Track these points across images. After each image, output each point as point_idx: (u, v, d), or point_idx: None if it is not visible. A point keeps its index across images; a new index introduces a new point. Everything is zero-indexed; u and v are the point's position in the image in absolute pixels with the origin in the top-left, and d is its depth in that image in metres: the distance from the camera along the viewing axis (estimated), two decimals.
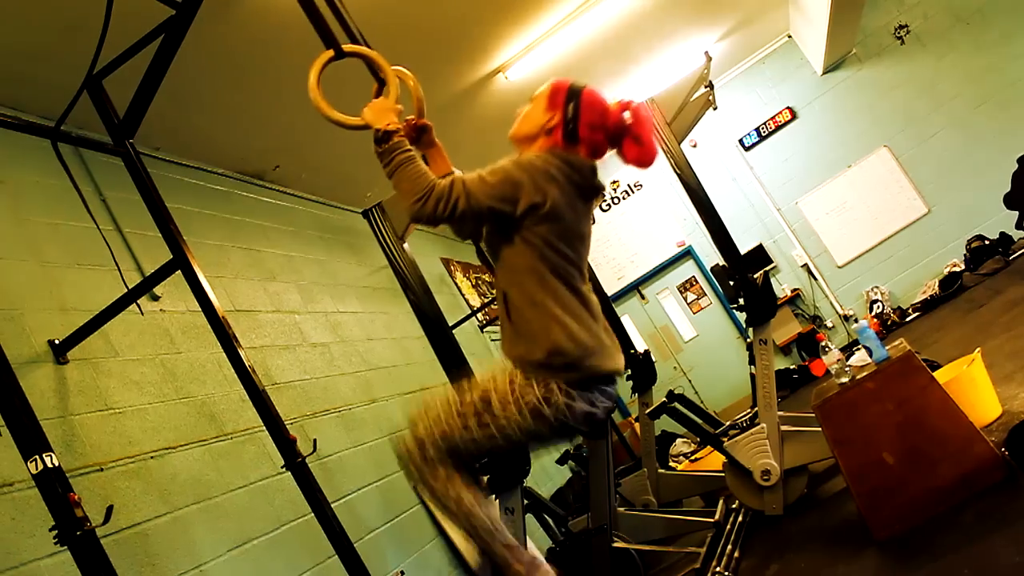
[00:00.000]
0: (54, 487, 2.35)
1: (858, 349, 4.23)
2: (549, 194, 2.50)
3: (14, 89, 4.54)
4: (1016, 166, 10.42)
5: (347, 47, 2.78)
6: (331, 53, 2.74)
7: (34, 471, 2.35)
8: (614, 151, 2.78)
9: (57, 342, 3.82)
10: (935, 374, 3.94)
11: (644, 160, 2.76)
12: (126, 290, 3.91)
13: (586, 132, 2.66)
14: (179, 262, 3.69)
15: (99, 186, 4.88)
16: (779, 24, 11.03)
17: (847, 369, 3.99)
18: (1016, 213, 10.40)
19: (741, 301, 5.30)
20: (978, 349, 4.51)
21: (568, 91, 2.71)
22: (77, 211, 4.08)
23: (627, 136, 2.74)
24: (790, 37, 11.49)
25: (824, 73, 11.35)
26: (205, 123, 5.85)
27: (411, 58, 6.48)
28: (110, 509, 2.59)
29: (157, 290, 4.61)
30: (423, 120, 2.89)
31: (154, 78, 3.65)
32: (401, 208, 4.68)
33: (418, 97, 2.87)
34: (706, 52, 5.81)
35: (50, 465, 2.35)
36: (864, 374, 3.86)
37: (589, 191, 2.68)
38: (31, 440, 2.39)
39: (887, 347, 4.03)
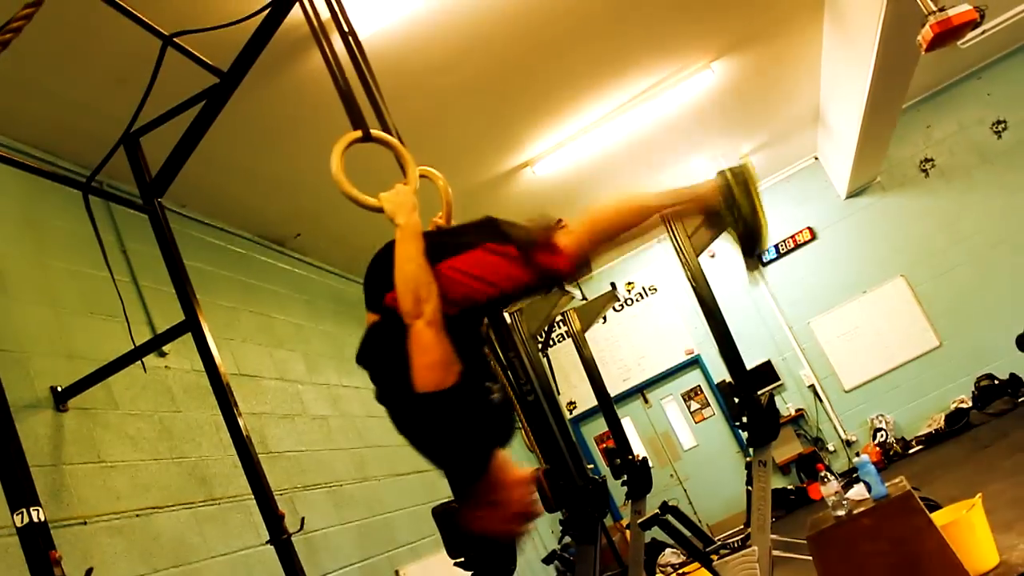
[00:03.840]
0: (36, 543, 2.33)
1: (857, 481, 4.19)
2: None
3: (54, 135, 4.65)
4: None
5: (375, 133, 2.82)
6: (358, 134, 2.79)
7: (19, 524, 2.34)
8: None
9: (59, 389, 3.83)
10: (933, 515, 3.89)
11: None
12: (134, 346, 3.92)
13: None
14: (190, 325, 3.71)
15: (122, 236, 4.94)
16: (807, 145, 11.20)
17: (844, 502, 3.95)
18: None
19: (744, 420, 5.28)
20: (979, 494, 4.46)
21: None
22: (97, 259, 4.11)
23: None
24: (816, 159, 11.64)
25: (847, 197, 11.46)
26: (233, 186, 5.95)
27: (443, 143, 6.65)
28: (89, 572, 2.56)
29: (165, 347, 4.62)
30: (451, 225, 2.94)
31: (190, 141, 3.72)
32: None
33: (447, 201, 2.92)
34: None
35: (35, 520, 2.33)
36: (861, 509, 3.82)
37: None
38: (20, 492, 2.37)
39: (887, 482, 3.99)
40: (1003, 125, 10.88)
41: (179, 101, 3.76)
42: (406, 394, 2.34)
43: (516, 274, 2.48)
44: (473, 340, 2.62)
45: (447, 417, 2.33)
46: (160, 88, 3.52)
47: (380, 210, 2.58)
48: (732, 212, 2.61)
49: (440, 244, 2.56)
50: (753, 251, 2.66)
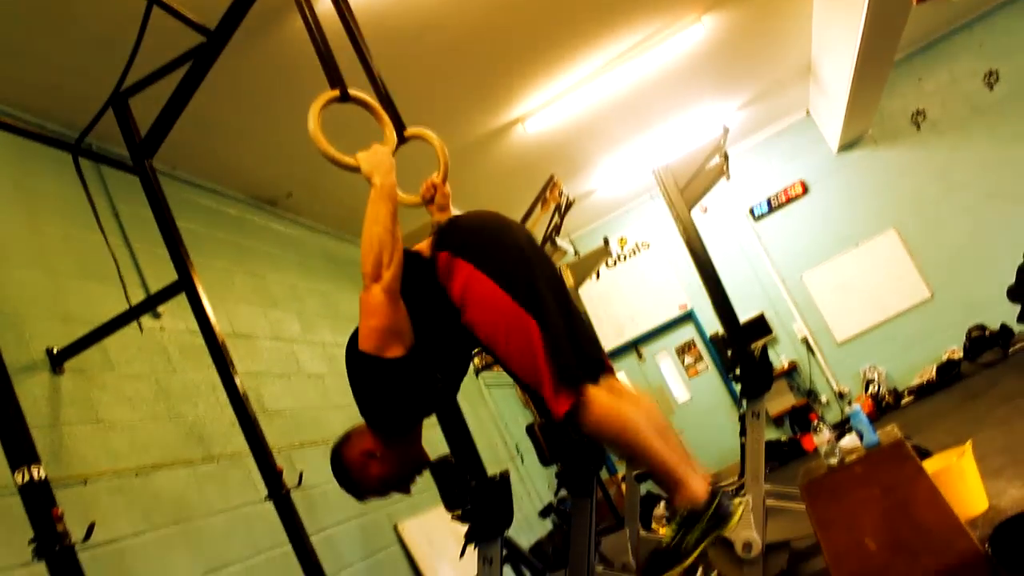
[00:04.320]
0: (38, 500, 2.36)
1: (849, 430, 4.24)
2: None
3: (41, 98, 4.62)
4: (1023, 259, 10.45)
5: (353, 92, 2.82)
6: (336, 93, 2.79)
7: (20, 482, 2.36)
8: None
9: (55, 351, 3.84)
10: (924, 463, 3.94)
11: None
12: (128, 307, 3.93)
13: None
14: (184, 284, 3.72)
15: (113, 199, 4.93)
16: (798, 99, 11.15)
17: (836, 451, 3.99)
18: (1019, 306, 10.39)
19: (738, 371, 5.31)
20: (969, 441, 4.51)
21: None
22: (89, 222, 4.11)
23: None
24: (808, 113, 11.60)
25: (839, 151, 11.44)
26: (223, 146, 5.92)
27: (432, 99, 6.63)
28: (91, 527, 2.59)
29: (159, 308, 4.62)
30: (446, 188, 2.93)
31: (179, 102, 3.69)
32: None
33: (444, 161, 2.91)
34: (724, 125, 5.88)
35: (36, 478, 2.36)
36: (853, 457, 3.87)
37: None
38: (21, 451, 2.40)
39: (878, 431, 4.04)
40: (995, 76, 10.84)
41: (166, 61, 3.74)
42: (351, 342, 2.46)
43: (528, 373, 2.43)
44: (459, 339, 2.63)
45: (371, 382, 2.43)
46: (147, 49, 3.50)
47: (357, 169, 2.58)
48: (678, 532, 2.34)
49: (514, 252, 2.53)
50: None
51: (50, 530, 2.33)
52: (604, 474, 10.45)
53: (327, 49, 2.86)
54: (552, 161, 8.74)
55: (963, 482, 4.27)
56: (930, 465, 4.29)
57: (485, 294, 2.42)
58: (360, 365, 2.42)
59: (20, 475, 2.36)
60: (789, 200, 11.72)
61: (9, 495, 3.15)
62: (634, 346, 12.32)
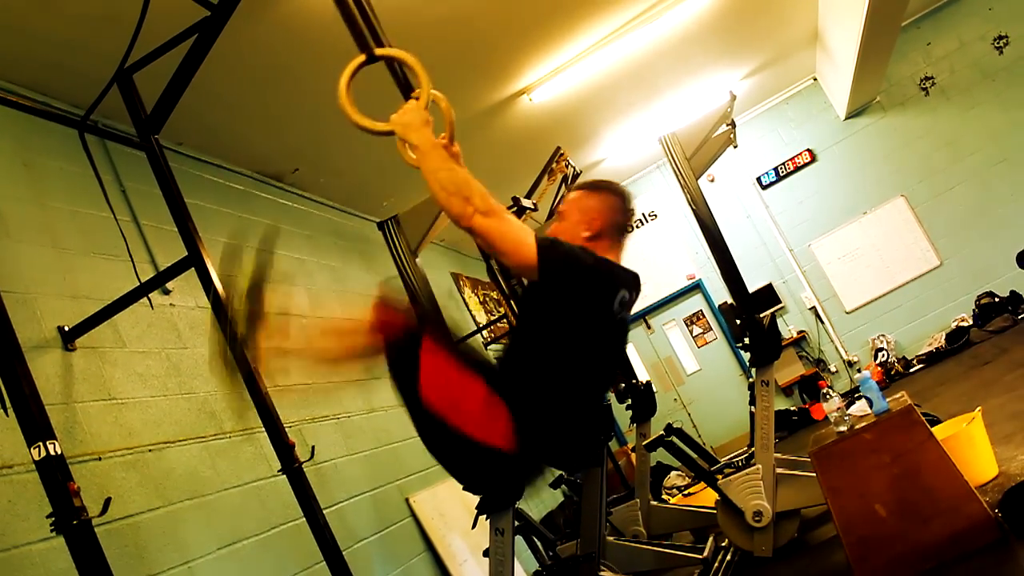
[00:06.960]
0: (55, 475, 2.38)
1: (859, 398, 4.24)
2: None
3: (45, 76, 4.60)
4: None
5: (379, 50, 2.79)
6: (363, 57, 2.77)
7: (36, 457, 2.38)
8: None
9: (66, 328, 3.86)
10: (934, 429, 3.94)
11: None
12: (138, 283, 3.94)
13: None
14: (194, 260, 3.72)
15: (120, 176, 4.93)
16: (805, 66, 11.08)
17: (846, 418, 4.00)
18: None
19: (747, 340, 5.31)
20: (979, 407, 4.51)
21: None
22: (97, 199, 4.11)
23: None
24: (815, 80, 11.53)
25: (847, 118, 11.38)
26: (229, 122, 5.91)
27: (436, 71, 6.52)
28: (108, 501, 2.61)
29: (168, 284, 4.64)
30: (455, 147, 2.91)
31: (184, 76, 3.69)
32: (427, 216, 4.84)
33: (450, 121, 2.89)
34: (731, 91, 5.85)
35: (53, 453, 2.37)
36: (863, 424, 3.87)
37: None
38: (36, 427, 2.41)
39: (888, 398, 4.04)
40: (1005, 40, 10.73)
41: (171, 36, 3.73)
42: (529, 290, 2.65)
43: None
44: None
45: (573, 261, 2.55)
46: (151, 24, 3.49)
47: (391, 133, 2.57)
48: None
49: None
50: None
51: (67, 505, 2.35)
52: (614, 445, 10.49)
53: (351, 14, 2.84)
54: (558, 132, 8.72)
55: (973, 448, 4.28)
56: (940, 431, 4.29)
57: None
58: (556, 262, 2.50)
59: (36, 450, 2.38)
60: (796, 168, 11.67)
61: (26, 471, 3.19)
62: (642, 317, 12.32)
